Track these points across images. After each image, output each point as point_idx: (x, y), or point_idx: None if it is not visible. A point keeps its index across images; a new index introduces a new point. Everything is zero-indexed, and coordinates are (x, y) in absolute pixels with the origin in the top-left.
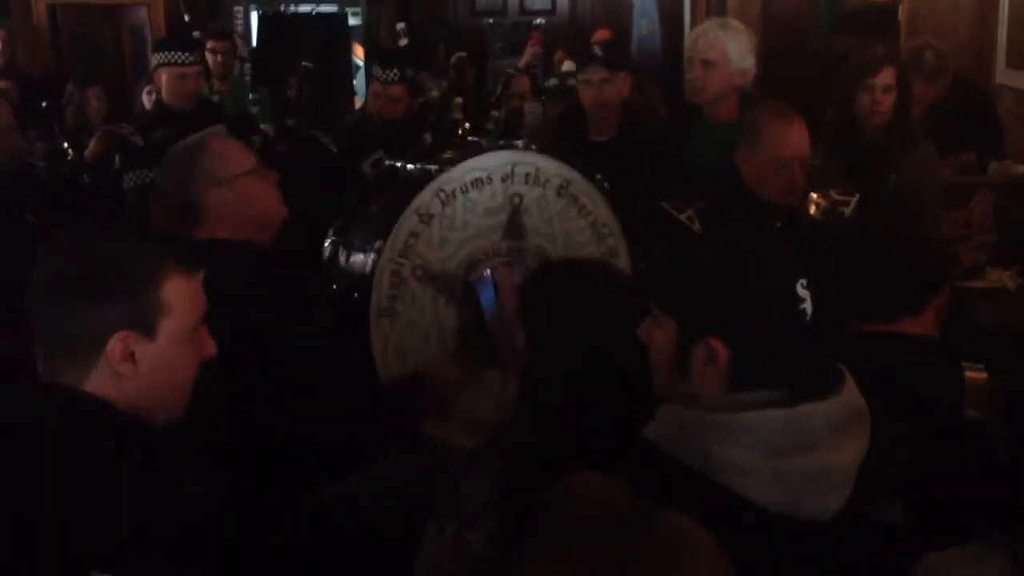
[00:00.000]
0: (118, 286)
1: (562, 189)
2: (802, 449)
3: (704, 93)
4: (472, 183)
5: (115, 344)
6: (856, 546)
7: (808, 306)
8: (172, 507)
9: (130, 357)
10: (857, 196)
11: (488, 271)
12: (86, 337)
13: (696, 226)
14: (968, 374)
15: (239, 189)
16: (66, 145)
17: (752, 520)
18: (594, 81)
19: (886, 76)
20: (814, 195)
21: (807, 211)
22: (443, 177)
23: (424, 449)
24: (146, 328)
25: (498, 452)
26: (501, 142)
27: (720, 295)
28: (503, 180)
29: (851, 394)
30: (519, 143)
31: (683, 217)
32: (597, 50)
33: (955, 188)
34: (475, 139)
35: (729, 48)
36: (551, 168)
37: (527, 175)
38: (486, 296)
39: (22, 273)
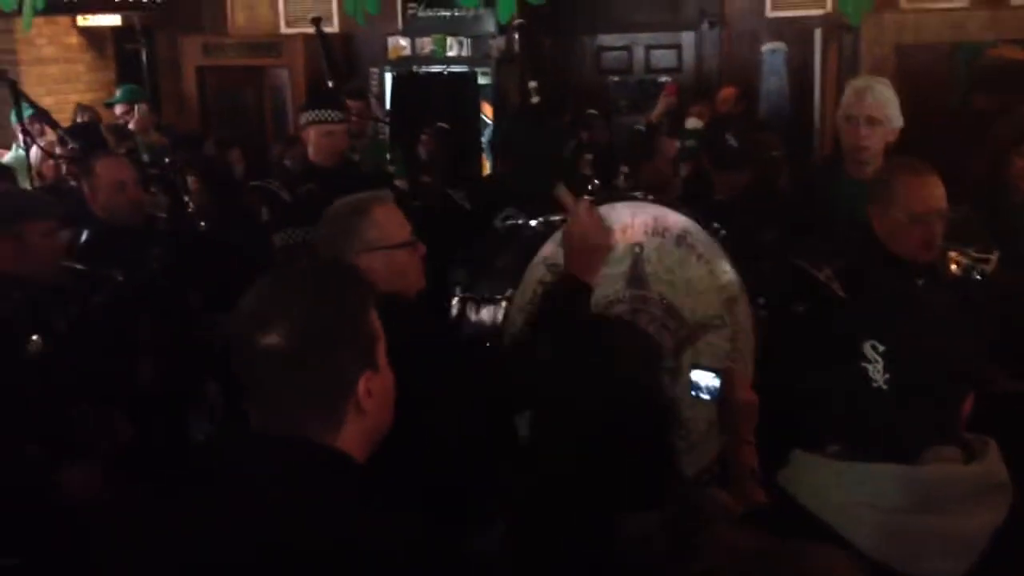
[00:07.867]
0: (352, 330)
1: (680, 239)
2: (922, 510)
3: (868, 151)
4: None
5: (362, 385)
6: None
7: (875, 369)
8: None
9: (369, 393)
10: (997, 253)
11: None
12: (338, 384)
13: (836, 285)
14: None
15: (389, 259)
16: (186, 199)
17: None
18: None
19: None
20: (952, 254)
21: (947, 268)
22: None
23: None
24: (374, 361)
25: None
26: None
27: None
28: (623, 231)
29: (993, 465)
30: (638, 195)
31: (821, 276)
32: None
33: None
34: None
35: (890, 106)
36: (669, 219)
37: (646, 225)
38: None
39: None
